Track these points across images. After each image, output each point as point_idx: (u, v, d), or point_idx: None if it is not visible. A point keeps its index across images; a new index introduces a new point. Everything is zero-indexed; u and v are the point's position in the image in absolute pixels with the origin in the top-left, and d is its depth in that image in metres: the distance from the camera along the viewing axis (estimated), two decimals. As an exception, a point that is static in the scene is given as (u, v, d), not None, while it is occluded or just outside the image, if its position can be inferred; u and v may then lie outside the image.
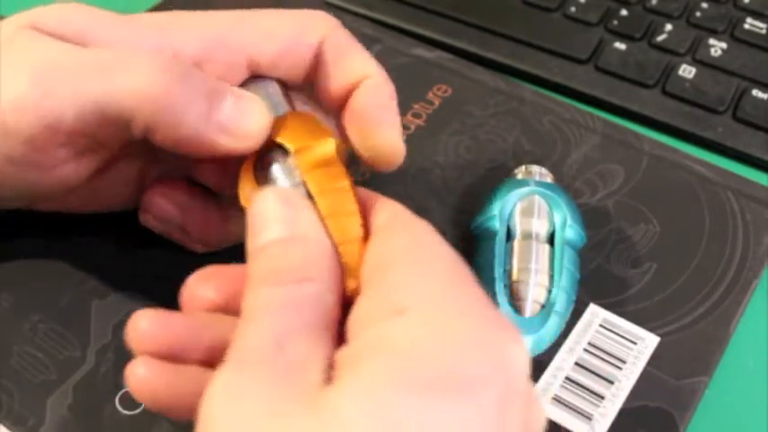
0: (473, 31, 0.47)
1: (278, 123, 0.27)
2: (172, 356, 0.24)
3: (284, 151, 0.27)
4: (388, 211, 0.25)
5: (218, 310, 0.25)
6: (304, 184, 0.26)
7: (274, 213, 0.24)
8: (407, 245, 0.23)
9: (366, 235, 0.24)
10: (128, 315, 0.32)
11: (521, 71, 0.45)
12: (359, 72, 0.29)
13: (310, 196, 0.25)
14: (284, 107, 0.29)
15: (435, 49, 0.45)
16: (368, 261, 0.23)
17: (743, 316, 0.33)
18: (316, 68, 0.30)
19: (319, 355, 0.21)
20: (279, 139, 0.27)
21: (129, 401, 0.30)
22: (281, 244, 0.23)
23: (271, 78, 0.29)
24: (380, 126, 0.28)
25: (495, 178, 0.36)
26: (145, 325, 0.24)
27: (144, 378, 0.24)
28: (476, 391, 0.18)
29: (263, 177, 0.27)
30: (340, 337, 0.22)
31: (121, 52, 0.27)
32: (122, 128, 0.27)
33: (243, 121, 0.26)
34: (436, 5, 0.48)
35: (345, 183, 0.25)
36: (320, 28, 0.29)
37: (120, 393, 0.30)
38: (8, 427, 0.29)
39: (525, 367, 0.20)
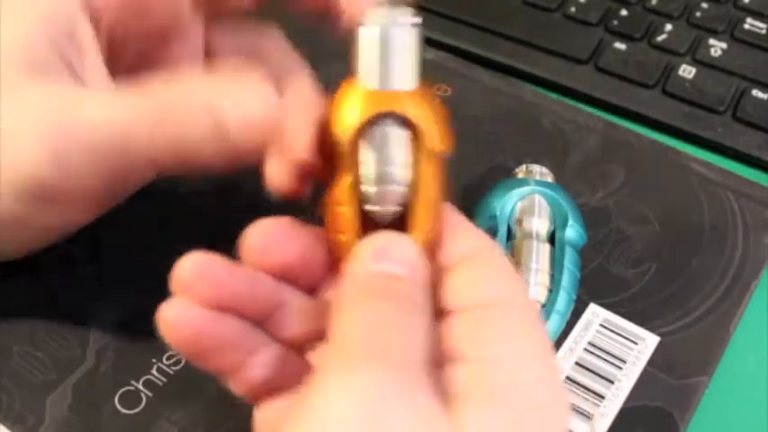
0: (473, 31, 0.47)
1: (409, 96, 0.25)
2: (216, 306, 0.24)
3: (400, 120, 0.25)
4: (477, 241, 0.25)
5: (283, 269, 0.25)
6: (413, 165, 0.25)
7: (399, 253, 0.24)
8: (506, 290, 0.24)
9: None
10: (128, 315, 0.32)
11: (521, 71, 0.45)
12: None
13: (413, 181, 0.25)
14: (413, 67, 0.25)
15: (435, 49, 0.45)
16: (460, 289, 0.24)
17: (743, 316, 0.33)
18: None
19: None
20: (408, 116, 0.24)
21: (129, 401, 0.30)
22: (405, 281, 0.23)
23: (410, 16, 0.25)
24: None
25: (496, 178, 0.36)
26: (190, 267, 0.23)
27: (174, 320, 0.23)
28: None
29: (370, 135, 0.25)
30: None
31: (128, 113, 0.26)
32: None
33: (248, 119, 0.26)
34: (436, 5, 0.47)
35: (441, 170, 0.25)
36: None
37: (119, 393, 0.30)
38: (8, 427, 0.29)
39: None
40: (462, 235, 0.25)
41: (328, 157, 0.25)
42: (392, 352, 0.21)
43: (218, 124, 0.25)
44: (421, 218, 0.25)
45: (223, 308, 0.24)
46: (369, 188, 0.25)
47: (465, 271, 0.24)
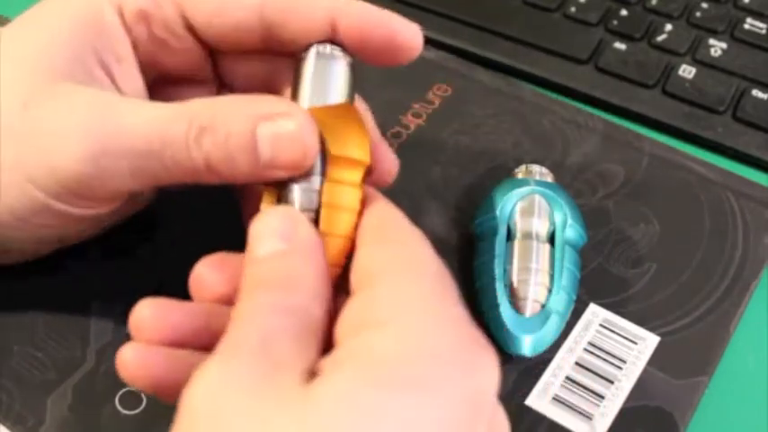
0: (473, 31, 0.47)
1: (327, 112, 0.26)
2: (174, 345, 0.25)
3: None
4: (382, 215, 0.26)
5: (224, 299, 0.26)
6: (322, 176, 0.26)
7: (273, 228, 0.24)
8: (397, 257, 0.24)
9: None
10: (128, 315, 0.32)
11: (521, 71, 0.45)
12: (324, 8, 0.28)
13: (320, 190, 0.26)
14: (343, 92, 0.27)
15: (435, 49, 0.45)
16: (358, 267, 0.24)
17: (743, 316, 0.33)
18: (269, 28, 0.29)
19: (302, 359, 0.21)
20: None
21: (130, 401, 0.30)
22: (277, 256, 0.24)
23: (342, 53, 0.27)
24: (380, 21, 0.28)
25: (496, 178, 0.36)
26: (146, 313, 0.25)
27: (130, 362, 0.24)
28: (446, 394, 0.20)
29: None
30: (330, 345, 0.23)
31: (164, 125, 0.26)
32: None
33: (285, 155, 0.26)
34: (436, 5, 0.48)
35: (358, 181, 0.26)
36: None
37: (120, 393, 0.30)
38: (8, 428, 0.29)
39: (495, 381, 0.22)
40: (370, 211, 0.25)
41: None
42: (248, 345, 0.21)
43: (257, 136, 0.25)
44: (325, 221, 0.25)
45: (183, 344, 0.25)
46: (284, 195, 0.26)
47: (364, 252, 0.24)
